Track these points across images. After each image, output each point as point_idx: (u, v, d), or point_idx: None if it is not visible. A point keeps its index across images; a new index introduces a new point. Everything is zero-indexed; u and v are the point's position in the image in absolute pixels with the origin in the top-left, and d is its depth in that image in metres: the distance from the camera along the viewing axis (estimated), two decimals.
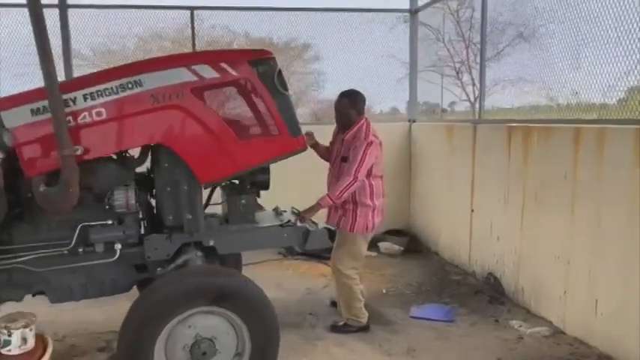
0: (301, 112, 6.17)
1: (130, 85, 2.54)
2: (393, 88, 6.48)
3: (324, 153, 3.65)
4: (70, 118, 2.50)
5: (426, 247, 5.58)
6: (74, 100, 2.51)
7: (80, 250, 2.70)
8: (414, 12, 5.87)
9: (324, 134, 3.71)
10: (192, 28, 5.58)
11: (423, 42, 6.04)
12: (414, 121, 6.00)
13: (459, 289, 4.35)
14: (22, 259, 2.62)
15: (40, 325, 3.58)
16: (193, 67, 2.58)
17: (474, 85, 5.74)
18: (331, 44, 6.11)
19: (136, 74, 2.54)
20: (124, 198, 2.71)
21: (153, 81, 2.55)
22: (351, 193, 3.33)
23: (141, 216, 2.97)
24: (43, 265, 2.66)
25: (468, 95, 6.25)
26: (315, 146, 3.57)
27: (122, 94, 2.54)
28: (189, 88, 2.57)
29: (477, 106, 4.93)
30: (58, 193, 2.52)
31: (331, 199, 3.27)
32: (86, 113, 2.53)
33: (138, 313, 2.35)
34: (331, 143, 3.64)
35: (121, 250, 2.73)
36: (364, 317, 3.56)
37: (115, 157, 2.96)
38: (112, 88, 2.53)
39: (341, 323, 3.58)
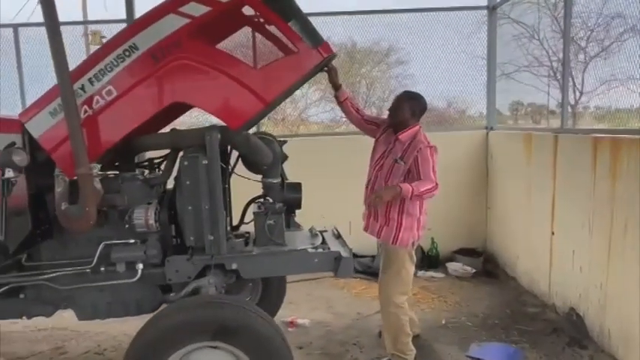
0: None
1: (126, 53, 2.43)
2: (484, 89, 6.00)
3: (349, 107, 3.35)
4: (85, 107, 2.46)
5: (502, 271, 4.97)
6: (83, 88, 2.46)
7: (102, 268, 2.64)
8: (491, 9, 5.29)
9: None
10: None
11: (516, 40, 5.45)
12: (492, 129, 5.41)
13: (533, 326, 3.76)
14: (46, 276, 2.61)
15: (88, 336, 3.70)
16: (180, 9, 2.40)
17: (574, 86, 5.15)
18: (416, 46, 5.76)
19: (128, 39, 2.43)
20: (143, 217, 2.60)
21: (147, 39, 2.42)
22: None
23: (172, 234, 2.89)
24: (67, 283, 2.63)
25: (568, 97, 5.66)
26: (336, 87, 3.28)
27: (123, 65, 2.44)
28: (184, 33, 2.40)
29: (565, 110, 4.30)
30: (75, 211, 2.48)
31: (411, 192, 2.92)
32: (98, 97, 2.47)
33: (137, 346, 2.20)
34: (378, 136, 3.31)
35: (143, 270, 2.63)
36: (411, 354, 3.16)
37: (139, 172, 2.91)
38: (111, 62, 2.44)
39: (384, 359, 3.22)
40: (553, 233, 3.96)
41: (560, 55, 5.17)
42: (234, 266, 2.67)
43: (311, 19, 5.48)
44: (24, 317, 2.79)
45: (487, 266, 5.13)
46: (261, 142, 2.76)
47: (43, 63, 5.05)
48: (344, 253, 2.75)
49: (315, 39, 2.56)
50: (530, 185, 4.36)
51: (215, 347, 2.26)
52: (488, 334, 3.63)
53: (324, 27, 5.66)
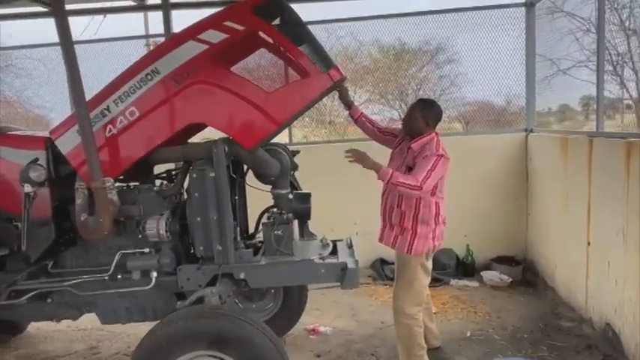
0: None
1: (149, 77, 2.59)
2: (546, 86, 5.72)
3: (364, 123, 3.40)
4: (110, 126, 2.63)
5: (541, 280, 4.73)
6: (108, 109, 2.63)
7: (119, 276, 2.78)
8: (529, 5, 5.04)
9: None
10: None
11: (573, 34, 5.16)
12: (531, 131, 5.16)
13: (565, 341, 3.55)
14: (68, 282, 2.79)
15: (121, 337, 3.90)
16: (200, 36, 2.54)
17: (637, 80, 4.81)
18: (466, 45, 5.62)
19: (151, 64, 2.58)
20: (154, 227, 2.72)
21: (168, 64, 2.57)
22: (407, 203, 3.03)
23: (189, 242, 2.99)
24: (88, 289, 2.79)
25: (629, 92, 5.32)
26: (349, 105, 3.36)
27: (145, 88, 2.60)
28: (202, 59, 2.54)
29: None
30: (92, 222, 2.63)
31: (389, 177, 2.86)
32: (122, 117, 2.63)
33: (139, 353, 2.31)
34: (394, 147, 3.29)
35: (157, 278, 2.75)
36: None
37: (155, 184, 3.04)
38: (134, 84, 2.60)
39: None
40: (589, 243, 3.73)
41: (621, 49, 4.86)
42: (242, 275, 2.74)
43: (358, 23, 5.54)
44: (54, 320, 3.00)
45: (527, 275, 4.90)
46: (266, 155, 2.80)
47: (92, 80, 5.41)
48: (350, 264, 2.75)
49: (326, 63, 2.62)
50: (567, 191, 4.13)
51: (216, 357, 2.33)
52: (514, 349, 3.47)
53: (373, 30, 5.71)
